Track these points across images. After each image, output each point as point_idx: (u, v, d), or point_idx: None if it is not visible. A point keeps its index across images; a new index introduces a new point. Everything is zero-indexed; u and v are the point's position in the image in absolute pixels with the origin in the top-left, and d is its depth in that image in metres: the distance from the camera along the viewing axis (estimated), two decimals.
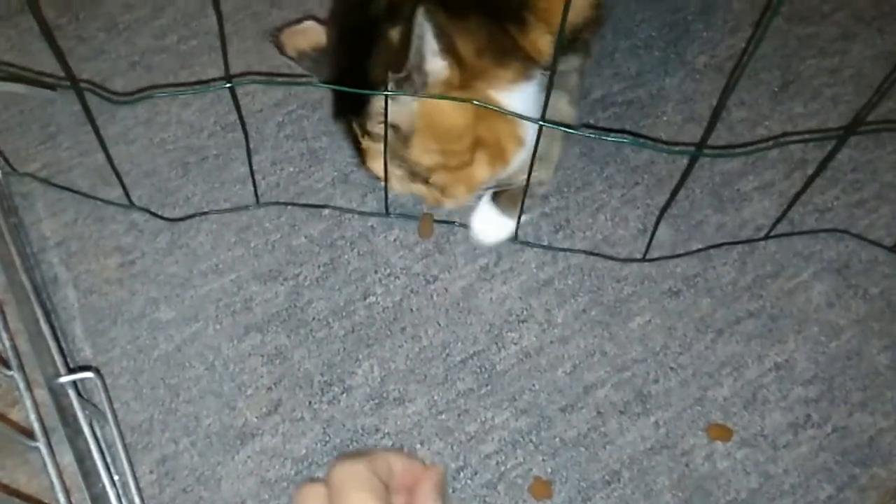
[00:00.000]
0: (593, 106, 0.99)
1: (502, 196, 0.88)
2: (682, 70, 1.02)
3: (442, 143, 0.76)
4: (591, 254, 0.90)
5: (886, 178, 0.95)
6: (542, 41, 0.78)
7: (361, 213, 0.92)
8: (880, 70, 1.00)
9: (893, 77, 0.71)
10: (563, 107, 0.86)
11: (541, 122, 0.71)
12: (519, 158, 0.80)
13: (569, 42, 0.79)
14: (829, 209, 0.94)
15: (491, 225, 0.88)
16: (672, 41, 1.04)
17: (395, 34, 0.73)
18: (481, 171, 0.79)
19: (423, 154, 0.76)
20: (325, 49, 0.81)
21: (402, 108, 0.73)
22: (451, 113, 0.74)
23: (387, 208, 0.90)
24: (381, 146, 0.76)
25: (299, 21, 0.84)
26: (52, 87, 0.96)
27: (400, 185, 0.82)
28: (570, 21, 0.61)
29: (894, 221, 0.92)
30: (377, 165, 0.80)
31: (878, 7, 1.06)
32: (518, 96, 0.76)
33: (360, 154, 0.82)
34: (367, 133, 0.78)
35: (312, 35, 0.82)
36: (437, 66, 0.71)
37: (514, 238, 0.90)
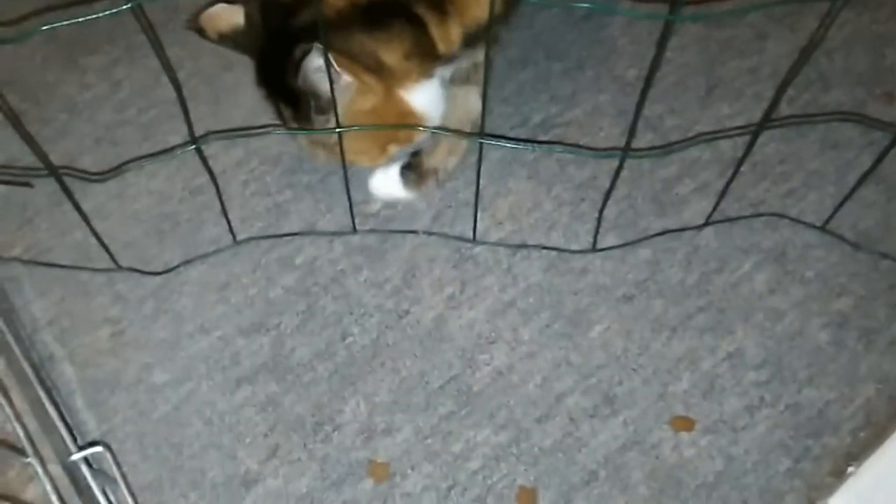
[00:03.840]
0: (534, 130, 1.06)
1: (411, 172, 1.00)
2: (614, 85, 1.09)
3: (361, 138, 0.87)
4: (544, 248, 0.98)
5: (811, 167, 1.03)
6: (455, 32, 0.86)
7: (333, 234, 1.00)
8: None
9: (797, 68, 0.78)
10: (473, 100, 0.96)
11: (481, 139, 0.81)
12: (422, 138, 0.93)
13: (475, 34, 0.87)
14: (763, 201, 1.01)
15: (387, 183, 1.00)
16: (602, 58, 1.11)
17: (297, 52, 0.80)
18: (391, 150, 0.92)
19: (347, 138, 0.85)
20: (247, 29, 0.86)
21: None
22: (372, 117, 0.85)
23: (354, 227, 0.99)
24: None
25: (212, 4, 0.88)
26: (27, 184, 1.01)
27: (310, 149, 0.93)
28: (481, 16, 0.68)
29: (822, 206, 1.00)
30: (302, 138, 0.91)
31: (787, 6, 1.13)
32: (425, 91, 0.87)
33: (283, 119, 0.89)
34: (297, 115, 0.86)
35: (229, 16, 0.86)
36: (342, 86, 0.80)
37: (473, 239, 0.97)
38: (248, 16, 0.85)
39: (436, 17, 0.84)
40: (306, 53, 0.76)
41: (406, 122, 0.88)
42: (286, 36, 0.81)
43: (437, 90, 0.90)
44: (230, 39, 0.86)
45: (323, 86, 0.78)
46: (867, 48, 1.11)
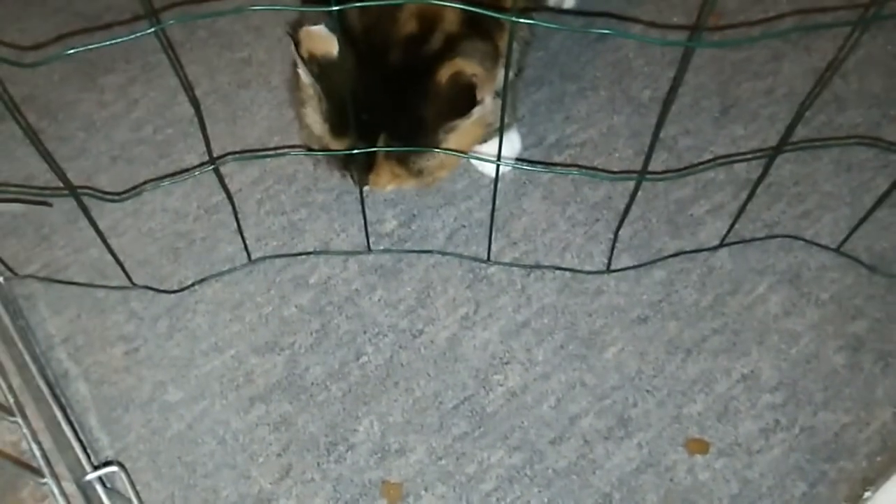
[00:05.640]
0: (549, 150, 1.06)
1: None
2: (629, 106, 1.09)
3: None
4: (558, 268, 0.98)
5: (826, 188, 1.03)
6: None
7: (347, 253, 1.00)
8: (810, 86, 1.08)
9: (814, 95, 0.78)
10: None
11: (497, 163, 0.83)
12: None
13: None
14: (777, 223, 1.01)
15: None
16: (616, 79, 1.11)
17: (445, 73, 0.82)
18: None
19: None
20: (338, 65, 0.83)
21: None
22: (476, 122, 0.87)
23: (369, 246, 0.99)
24: (407, 170, 0.88)
25: (314, 23, 0.85)
26: (46, 203, 1.02)
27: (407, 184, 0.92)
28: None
29: (837, 228, 1.00)
30: (392, 182, 0.91)
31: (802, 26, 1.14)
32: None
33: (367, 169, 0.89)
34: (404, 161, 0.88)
35: (325, 42, 0.83)
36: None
37: (487, 259, 0.98)
38: (342, 52, 0.83)
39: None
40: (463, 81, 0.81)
41: (485, 121, 0.89)
42: (408, 66, 0.84)
43: None
44: (317, 64, 0.83)
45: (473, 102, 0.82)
46: (882, 70, 1.11)
